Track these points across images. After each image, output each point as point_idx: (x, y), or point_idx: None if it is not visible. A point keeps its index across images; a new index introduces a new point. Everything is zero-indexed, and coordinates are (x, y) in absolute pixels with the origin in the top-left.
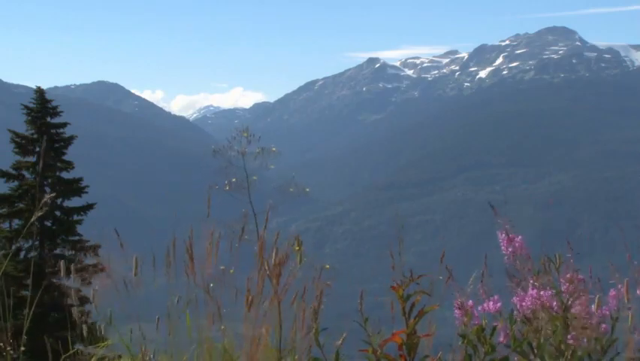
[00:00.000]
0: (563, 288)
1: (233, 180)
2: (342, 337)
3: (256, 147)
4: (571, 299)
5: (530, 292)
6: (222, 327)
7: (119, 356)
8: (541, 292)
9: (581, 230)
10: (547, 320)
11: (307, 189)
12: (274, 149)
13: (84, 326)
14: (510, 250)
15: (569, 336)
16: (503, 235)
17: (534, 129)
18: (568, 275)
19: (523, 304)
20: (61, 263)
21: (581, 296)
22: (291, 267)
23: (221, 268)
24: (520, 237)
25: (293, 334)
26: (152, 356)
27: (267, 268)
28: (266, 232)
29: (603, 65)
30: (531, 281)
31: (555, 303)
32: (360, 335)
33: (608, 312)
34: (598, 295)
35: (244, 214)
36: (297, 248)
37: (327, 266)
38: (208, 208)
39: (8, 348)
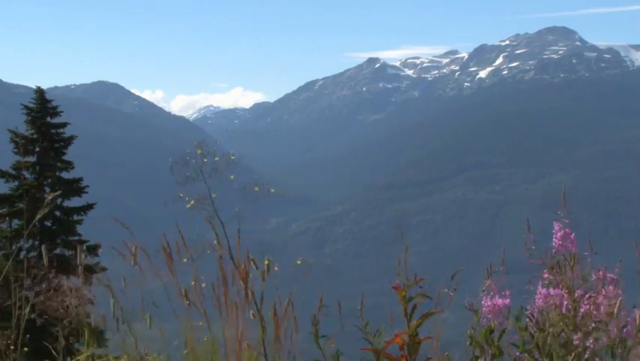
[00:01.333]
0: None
1: (192, 201)
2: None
3: (215, 157)
4: (586, 298)
5: (540, 290)
6: (205, 338)
7: (118, 357)
8: (551, 291)
9: (582, 230)
10: (558, 319)
11: (272, 190)
12: (233, 157)
13: (85, 326)
14: (560, 243)
15: (575, 337)
16: (559, 227)
17: (534, 129)
18: (600, 273)
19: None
20: (44, 257)
21: (602, 295)
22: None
23: (192, 283)
24: (573, 234)
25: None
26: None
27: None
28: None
29: (603, 65)
30: (545, 275)
31: (565, 303)
32: (360, 334)
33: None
34: (620, 299)
35: (212, 226)
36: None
37: (299, 262)
38: (179, 236)
39: (11, 347)
